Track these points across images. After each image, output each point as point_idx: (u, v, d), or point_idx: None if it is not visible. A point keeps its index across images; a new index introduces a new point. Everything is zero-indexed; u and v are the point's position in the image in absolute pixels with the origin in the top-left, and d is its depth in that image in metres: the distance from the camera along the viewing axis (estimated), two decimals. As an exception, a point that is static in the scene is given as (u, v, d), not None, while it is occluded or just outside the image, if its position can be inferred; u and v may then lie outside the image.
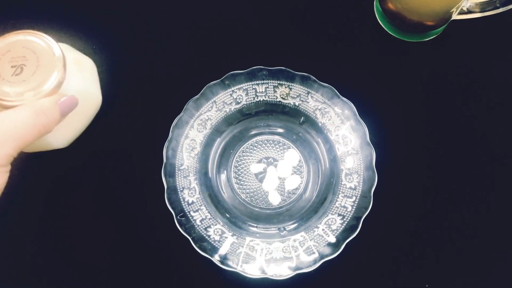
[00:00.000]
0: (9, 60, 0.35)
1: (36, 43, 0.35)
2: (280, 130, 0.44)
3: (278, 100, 0.43)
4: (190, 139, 0.42)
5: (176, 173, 0.41)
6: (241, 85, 0.43)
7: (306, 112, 0.43)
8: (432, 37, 0.47)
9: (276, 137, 0.44)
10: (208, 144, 0.43)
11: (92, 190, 0.43)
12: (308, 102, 0.43)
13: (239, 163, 0.44)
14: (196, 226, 0.40)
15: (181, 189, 0.41)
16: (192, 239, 0.39)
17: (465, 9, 0.44)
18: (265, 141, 0.44)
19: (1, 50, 0.35)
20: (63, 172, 0.43)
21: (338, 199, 0.41)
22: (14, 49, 0.35)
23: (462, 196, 0.43)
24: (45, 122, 0.33)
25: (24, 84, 0.34)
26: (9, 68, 0.35)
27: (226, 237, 0.40)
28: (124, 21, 0.47)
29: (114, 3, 0.48)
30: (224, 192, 0.43)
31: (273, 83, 0.43)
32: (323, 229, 0.40)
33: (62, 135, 0.39)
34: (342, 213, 0.40)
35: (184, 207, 0.40)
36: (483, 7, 0.43)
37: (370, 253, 0.42)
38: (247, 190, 0.43)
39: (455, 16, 0.44)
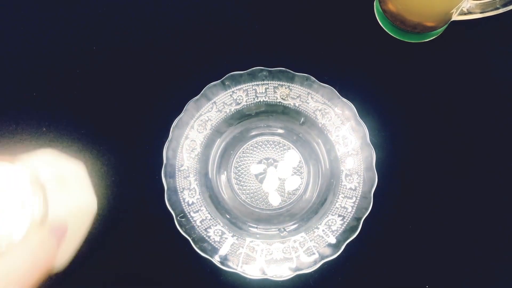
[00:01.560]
0: None
1: (6, 179, 0.30)
2: (280, 131, 0.44)
3: (278, 100, 0.43)
4: (190, 139, 0.42)
5: (176, 174, 0.41)
6: (241, 86, 0.43)
7: (306, 113, 0.43)
8: (432, 38, 0.47)
9: (276, 138, 0.44)
10: (208, 145, 0.43)
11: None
12: (308, 103, 0.43)
13: (239, 163, 0.44)
14: (196, 227, 0.40)
15: (181, 190, 0.41)
16: (192, 240, 0.39)
17: (465, 10, 0.44)
18: (265, 142, 0.44)
19: None
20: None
21: (338, 200, 0.41)
22: None
23: (462, 197, 0.43)
24: (45, 258, 0.29)
25: None
26: None
27: (226, 238, 0.40)
28: (123, 21, 0.47)
29: (113, 4, 0.48)
30: (224, 193, 0.43)
31: (273, 83, 0.43)
32: (323, 230, 0.40)
33: (65, 257, 0.35)
34: (342, 214, 0.40)
35: (184, 208, 0.40)
36: (483, 8, 0.43)
37: (370, 253, 0.42)
38: (247, 191, 0.43)
39: (455, 17, 0.44)
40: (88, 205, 0.36)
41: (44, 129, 0.44)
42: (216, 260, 0.39)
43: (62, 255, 0.34)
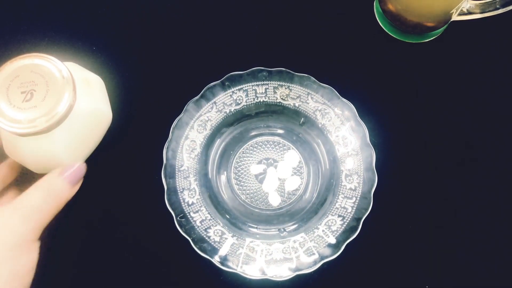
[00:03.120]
0: (18, 86, 0.35)
1: (44, 67, 0.35)
2: (280, 131, 0.44)
3: (278, 101, 0.43)
4: (190, 140, 0.42)
5: (176, 174, 0.41)
6: (241, 86, 0.43)
7: (306, 113, 0.43)
8: (432, 38, 0.47)
9: (276, 138, 0.44)
10: (208, 145, 0.43)
11: (91, 190, 0.43)
12: (308, 103, 0.43)
13: (239, 164, 0.44)
14: (196, 227, 0.40)
15: (181, 190, 0.41)
16: (192, 240, 0.39)
17: (465, 10, 0.44)
18: (265, 142, 0.44)
19: (9, 76, 0.35)
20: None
21: (338, 200, 0.41)
22: (23, 74, 0.35)
23: (462, 197, 0.43)
24: (57, 200, 0.35)
25: (36, 110, 0.34)
26: (19, 94, 0.34)
27: (226, 238, 0.40)
28: (123, 21, 0.47)
29: (113, 5, 0.48)
30: (224, 193, 0.43)
31: (273, 84, 0.43)
32: (323, 230, 0.40)
33: (75, 154, 0.39)
34: (342, 214, 0.40)
35: (184, 208, 0.40)
36: (483, 8, 0.43)
37: (370, 254, 0.42)
38: (247, 191, 0.43)
39: (455, 17, 0.44)
40: (106, 113, 0.41)
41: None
42: (216, 260, 0.39)
43: (76, 151, 0.39)
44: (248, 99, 0.43)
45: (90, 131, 0.39)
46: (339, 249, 0.39)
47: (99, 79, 0.42)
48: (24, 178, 0.41)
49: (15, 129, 0.34)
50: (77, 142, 0.39)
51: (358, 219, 0.40)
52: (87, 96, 0.38)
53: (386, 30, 0.47)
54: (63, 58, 0.36)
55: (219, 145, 0.44)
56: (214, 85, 0.42)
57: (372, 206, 0.40)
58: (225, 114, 0.43)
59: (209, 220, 0.41)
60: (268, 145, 0.44)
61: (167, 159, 0.41)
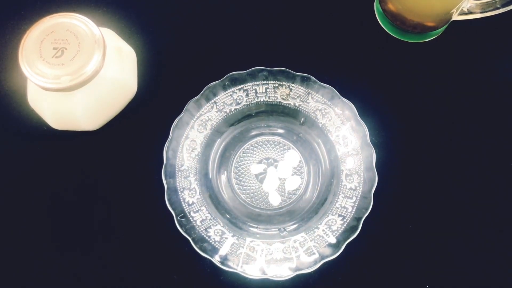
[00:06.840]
0: (52, 41, 0.36)
1: (80, 28, 0.36)
2: (280, 131, 0.44)
3: (278, 100, 0.43)
4: (191, 139, 0.42)
5: (177, 174, 0.41)
6: (242, 86, 0.43)
7: (307, 113, 0.43)
8: (432, 38, 0.47)
9: (277, 138, 0.44)
10: (208, 145, 0.43)
11: (92, 190, 0.43)
12: (308, 103, 0.43)
13: (239, 163, 0.44)
14: (196, 226, 0.40)
15: (182, 190, 0.41)
16: (192, 239, 0.39)
17: (465, 9, 0.44)
18: (266, 142, 0.44)
19: (46, 30, 0.36)
20: (63, 171, 0.43)
21: (338, 200, 0.41)
22: (58, 30, 0.36)
23: (462, 197, 0.43)
24: None
25: (63, 68, 0.35)
26: (50, 50, 0.36)
27: (226, 238, 0.40)
28: (124, 21, 0.47)
29: (115, 2, 0.48)
30: (224, 193, 0.43)
31: (273, 83, 0.43)
32: (323, 230, 0.40)
33: (93, 119, 0.40)
34: (343, 214, 0.40)
35: (184, 207, 0.40)
36: (483, 8, 0.43)
37: (370, 254, 0.42)
38: (248, 191, 0.43)
39: (455, 17, 0.44)
40: (130, 85, 0.41)
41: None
42: (216, 260, 0.39)
43: (96, 115, 0.40)
44: (249, 98, 0.43)
45: (112, 99, 0.40)
46: (340, 248, 0.39)
47: (132, 51, 0.42)
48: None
49: (40, 82, 0.35)
50: (97, 107, 0.39)
51: (359, 219, 0.40)
52: (116, 65, 0.39)
53: (387, 30, 0.47)
54: (103, 24, 0.37)
55: (219, 144, 0.44)
56: (215, 85, 0.42)
57: (373, 205, 0.40)
58: (225, 114, 0.43)
59: (210, 219, 0.41)
60: (269, 145, 0.44)
61: (167, 159, 0.41)
